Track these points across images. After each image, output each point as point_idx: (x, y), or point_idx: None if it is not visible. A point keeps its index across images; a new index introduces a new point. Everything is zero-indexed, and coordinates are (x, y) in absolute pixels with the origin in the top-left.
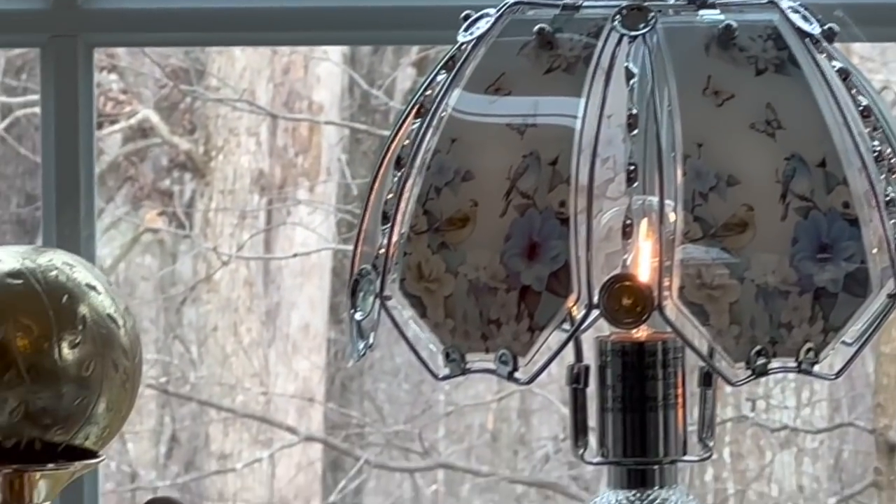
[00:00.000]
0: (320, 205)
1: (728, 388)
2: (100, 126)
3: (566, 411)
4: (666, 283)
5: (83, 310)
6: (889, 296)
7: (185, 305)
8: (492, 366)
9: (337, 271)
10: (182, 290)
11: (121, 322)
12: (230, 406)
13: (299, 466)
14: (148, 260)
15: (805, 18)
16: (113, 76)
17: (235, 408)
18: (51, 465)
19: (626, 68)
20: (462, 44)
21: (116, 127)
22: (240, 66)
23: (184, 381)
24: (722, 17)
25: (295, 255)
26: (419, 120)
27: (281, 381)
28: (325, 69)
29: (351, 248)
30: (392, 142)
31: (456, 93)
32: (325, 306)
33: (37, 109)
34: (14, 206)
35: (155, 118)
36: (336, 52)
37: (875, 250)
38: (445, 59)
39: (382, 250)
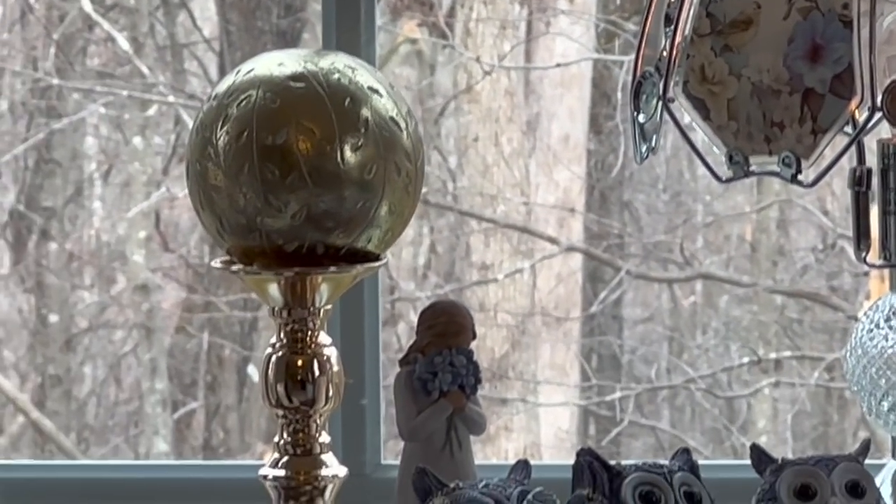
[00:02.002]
0: (581, 15)
1: None
2: None
3: (826, 221)
4: None
5: (366, 113)
6: None
7: (444, 116)
8: (775, 168)
9: (596, 82)
10: (441, 101)
11: (403, 125)
12: (491, 216)
13: (559, 277)
14: (406, 71)
15: None
16: None
17: (496, 218)
18: (333, 268)
19: None
20: None
21: None
22: None
23: (444, 192)
24: None
25: (557, 66)
26: None
27: (541, 191)
28: None
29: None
30: None
31: None
32: (585, 117)
33: None
34: (274, 17)
35: None
36: None
37: None
38: None
39: (665, 53)
